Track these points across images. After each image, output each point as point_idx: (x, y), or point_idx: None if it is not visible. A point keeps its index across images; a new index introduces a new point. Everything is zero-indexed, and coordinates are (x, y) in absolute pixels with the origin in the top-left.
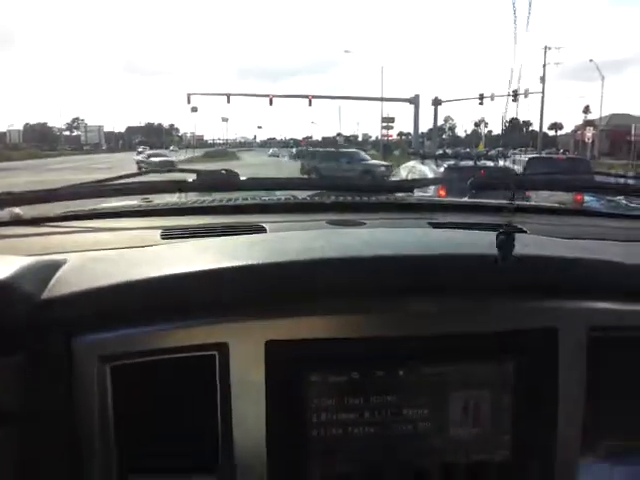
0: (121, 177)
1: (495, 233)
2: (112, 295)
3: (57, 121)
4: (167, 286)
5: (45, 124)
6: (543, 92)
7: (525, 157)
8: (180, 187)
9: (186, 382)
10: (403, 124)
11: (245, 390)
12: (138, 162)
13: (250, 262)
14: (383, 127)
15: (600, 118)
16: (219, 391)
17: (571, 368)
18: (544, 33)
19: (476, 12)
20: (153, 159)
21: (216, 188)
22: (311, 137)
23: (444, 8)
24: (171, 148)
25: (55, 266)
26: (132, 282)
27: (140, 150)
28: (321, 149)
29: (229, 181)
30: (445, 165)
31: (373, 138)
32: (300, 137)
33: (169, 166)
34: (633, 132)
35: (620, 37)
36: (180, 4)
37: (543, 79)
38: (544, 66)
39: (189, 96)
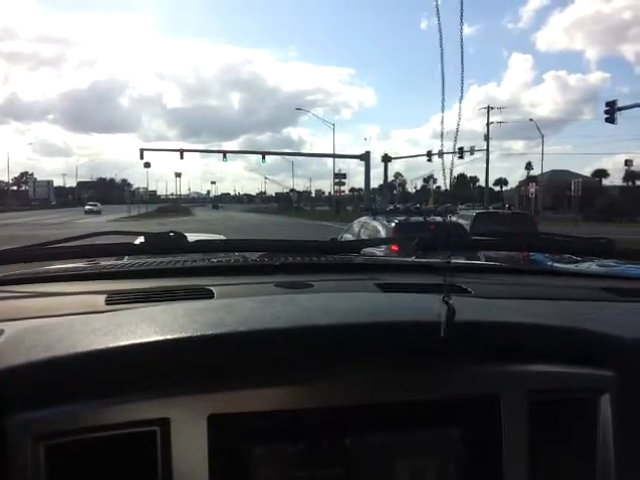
0: (67, 239)
1: (439, 296)
2: (48, 370)
3: (4, 175)
4: (105, 360)
5: None
6: (487, 149)
7: (472, 212)
8: (127, 250)
9: (126, 459)
10: (354, 181)
11: (188, 466)
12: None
13: (191, 334)
14: (335, 183)
15: (542, 174)
16: (160, 468)
17: (513, 432)
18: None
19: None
20: None
21: (164, 250)
22: (265, 193)
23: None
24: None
25: None
26: (69, 356)
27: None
28: None
29: (177, 243)
30: (396, 220)
31: (326, 194)
32: (254, 193)
33: None
34: (572, 188)
35: (556, 100)
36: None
37: (487, 137)
38: (487, 125)
39: (142, 151)
